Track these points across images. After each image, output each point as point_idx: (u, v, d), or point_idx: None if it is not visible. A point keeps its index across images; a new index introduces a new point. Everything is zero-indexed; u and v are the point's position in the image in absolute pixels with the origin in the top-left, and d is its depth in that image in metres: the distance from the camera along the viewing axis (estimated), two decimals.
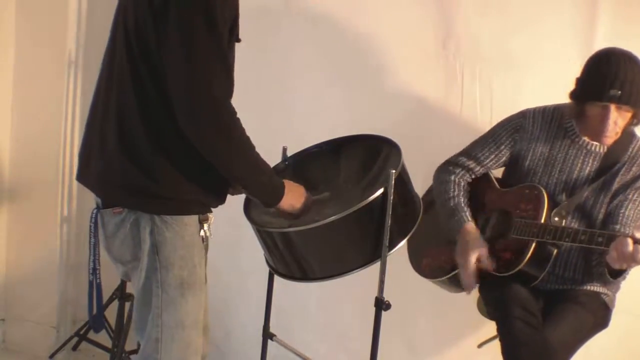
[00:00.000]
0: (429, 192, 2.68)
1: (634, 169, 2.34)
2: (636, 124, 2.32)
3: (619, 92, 2.18)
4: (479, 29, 2.84)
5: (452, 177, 2.52)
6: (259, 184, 1.92)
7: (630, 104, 2.22)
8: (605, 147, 2.35)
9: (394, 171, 1.99)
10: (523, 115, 2.47)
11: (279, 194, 1.96)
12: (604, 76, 2.21)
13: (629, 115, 2.26)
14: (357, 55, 3.02)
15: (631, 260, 2.03)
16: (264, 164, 1.91)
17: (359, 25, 3.00)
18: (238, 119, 1.81)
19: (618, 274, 2.19)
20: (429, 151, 2.65)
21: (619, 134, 2.31)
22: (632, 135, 2.37)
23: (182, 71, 1.73)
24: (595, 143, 2.36)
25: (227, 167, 1.84)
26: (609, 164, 2.34)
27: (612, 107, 2.22)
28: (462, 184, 2.51)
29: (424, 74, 2.94)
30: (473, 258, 2.34)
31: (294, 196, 1.99)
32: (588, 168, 2.37)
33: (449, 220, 2.46)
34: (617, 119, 2.25)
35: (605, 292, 2.41)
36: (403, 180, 2.12)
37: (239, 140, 1.81)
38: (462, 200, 2.48)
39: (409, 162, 2.16)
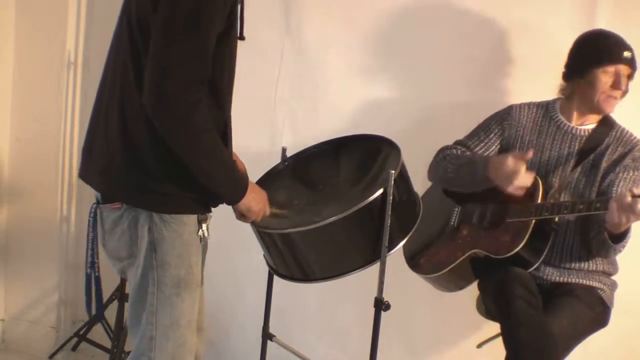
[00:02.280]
0: (428, 192, 2.68)
1: (619, 148, 2.41)
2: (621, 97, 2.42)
3: (630, 53, 2.35)
4: (479, 28, 2.85)
5: (454, 150, 2.58)
6: (218, 177, 1.85)
7: (634, 69, 2.37)
8: (588, 132, 2.45)
9: (393, 171, 1.99)
10: (510, 107, 2.58)
11: (241, 191, 1.91)
12: (614, 40, 2.37)
13: (627, 82, 2.38)
14: (356, 56, 3.02)
15: (630, 211, 2.07)
16: (224, 156, 1.85)
17: (359, 26, 3.01)
18: (199, 107, 1.73)
19: (619, 238, 2.21)
20: (428, 151, 2.65)
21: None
22: (613, 123, 2.47)
23: (154, 43, 1.72)
24: (580, 127, 2.46)
25: (182, 153, 1.77)
26: (592, 145, 2.42)
27: (623, 70, 2.35)
28: (467, 152, 2.55)
29: (423, 74, 2.94)
30: (515, 163, 2.31)
31: (253, 198, 1.96)
32: (574, 150, 2.44)
33: (470, 167, 2.45)
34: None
35: (601, 288, 2.42)
36: (403, 180, 2.12)
37: (192, 126, 1.73)
38: (471, 154, 2.52)
39: (409, 162, 2.16)
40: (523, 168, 2.31)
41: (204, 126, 1.77)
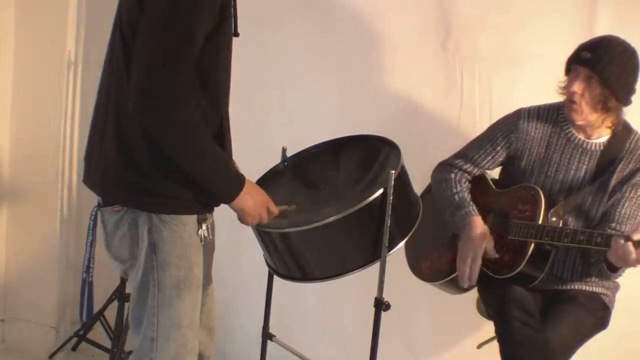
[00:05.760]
0: (428, 191, 2.67)
1: (630, 165, 2.31)
2: (607, 110, 2.26)
3: (589, 54, 2.20)
4: (479, 29, 2.85)
5: (452, 175, 2.51)
6: (208, 174, 1.83)
7: (597, 69, 2.19)
8: (602, 145, 2.34)
9: (393, 172, 1.99)
10: (518, 115, 2.45)
11: (234, 190, 1.88)
12: (584, 43, 2.26)
13: (597, 91, 2.22)
14: (356, 56, 3.02)
15: (635, 263, 2.02)
16: (214, 153, 1.82)
17: (359, 26, 3.01)
18: (184, 104, 1.72)
19: (616, 268, 2.19)
20: (428, 151, 2.65)
21: (585, 113, 2.27)
22: (629, 130, 2.35)
23: (139, 41, 1.72)
24: (591, 141, 2.35)
25: (169, 151, 1.76)
26: (607, 162, 2.32)
27: (581, 71, 2.23)
28: (463, 181, 2.50)
29: (423, 74, 2.94)
30: (482, 248, 2.31)
31: (247, 199, 1.91)
32: (585, 167, 2.35)
33: (455, 214, 2.43)
34: (584, 90, 2.23)
35: (605, 293, 2.41)
36: (403, 180, 2.12)
37: (179, 123, 1.72)
38: (466, 195, 2.46)
39: (409, 163, 2.16)
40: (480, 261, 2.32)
41: (191, 121, 1.75)
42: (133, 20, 1.78)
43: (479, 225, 2.37)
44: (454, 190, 2.47)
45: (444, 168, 2.55)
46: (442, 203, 2.50)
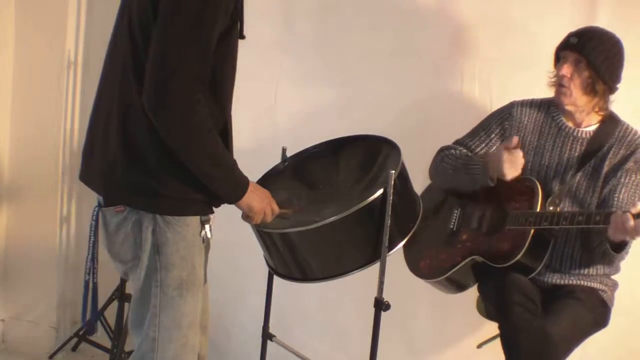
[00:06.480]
0: (426, 192, 2.67)
1: (621, 151, 2.36)
2: (595, 93, 2.33)
3: (577, 39, 2.30)
4: (479, 28, 2.85)
5: (452, 151, 2.55)
6: (218, 177, 1.85)
7: (585, 52, 2.28)
8: (591, 133, 2.40)
9: (393, 172, 1.99)
10: (512, 105, 2.54)
11: (240, 190, 1.91)
12: (569, 33, 2.36)
13: (585, 74, 2.31)
14: (356, 56, 3.02)
15: (634, 233, 2.05)
16: (225, 156, 1.86)
17: (359, 26, 3.01)
18: (201, 107, 1.74)
19: (620, 247, 2.19)
20: (428, 151, 2.65)
21: (574, 96, 2.34)
22: (617, 121, 2.42)
23: (158, 40, 1.71)
24: (580, 129, 2.41)
25: (183, 153, 1.78)
26: (594, 148, 2.38)
27: (569, 56, 2.32)
28: (465, 152, 2.54)
29: (423, 74, 2.94)
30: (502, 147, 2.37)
31: (254, 197, 1.95)
32: (575, 153, 2.40)
33: (469, 166, 2.45)
34: (573, 73, 2.32)
35: (602, 289, 2.41)
36: (403, 180, 2.12)
37: (195, 126, 1.74)
38: (472, 155, 2.52)
39: (408, 163, 2.16)
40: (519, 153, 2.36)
41: (205, 125, 1.77)
42: (146, 21, 1.77)
43: (491, 153, 2.44)
44: (459, 155, 2.52)
45: (443, 152, 2.59)
46: (452, 171, 2.51)
